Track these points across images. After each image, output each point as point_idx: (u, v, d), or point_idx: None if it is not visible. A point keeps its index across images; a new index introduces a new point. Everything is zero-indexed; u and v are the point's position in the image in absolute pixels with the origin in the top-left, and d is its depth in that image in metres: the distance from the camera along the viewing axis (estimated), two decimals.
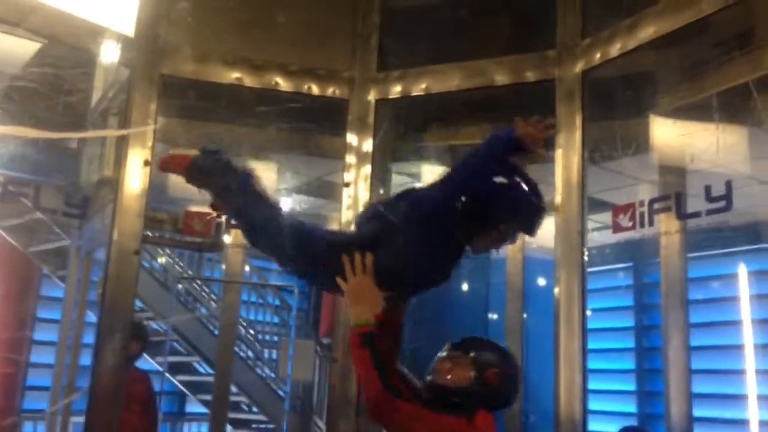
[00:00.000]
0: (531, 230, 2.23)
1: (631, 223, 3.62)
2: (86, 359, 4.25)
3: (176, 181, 4.39)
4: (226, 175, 2.37)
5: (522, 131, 2.13)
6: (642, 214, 3.61)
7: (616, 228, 3.69)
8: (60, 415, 4.59)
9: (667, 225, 3.80)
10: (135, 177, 3.37)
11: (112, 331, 3.31)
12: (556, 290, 3.56)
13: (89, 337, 4.25)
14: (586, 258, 3.56)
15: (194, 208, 3.86)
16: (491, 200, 2.18)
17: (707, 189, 3.37)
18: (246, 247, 4.39)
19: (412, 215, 2.19)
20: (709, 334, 6.24)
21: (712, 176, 3.43)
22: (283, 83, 3.79)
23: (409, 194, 2.30)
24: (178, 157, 2.50)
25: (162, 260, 7.66)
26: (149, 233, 3.82)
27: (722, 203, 3.36)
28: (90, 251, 4.58)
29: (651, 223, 3.57)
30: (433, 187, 2.24)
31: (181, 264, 7.65)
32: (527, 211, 2.21)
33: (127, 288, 3.34)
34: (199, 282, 8.01)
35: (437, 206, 2.18)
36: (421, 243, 2.18)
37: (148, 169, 3.37)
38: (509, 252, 4.47)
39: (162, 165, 2.59)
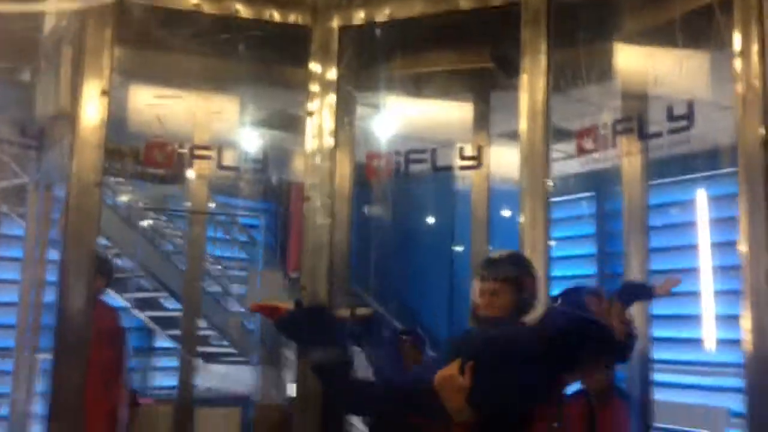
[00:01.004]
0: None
1: (594, 146, 3.65)
2: (51, 297, 4.21)
3: (137, 116, 4.31)
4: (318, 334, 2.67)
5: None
6: (605, 136, 3.64)
7: (580, 150, 3.72)
8: (28, 352, 4.58)
9: (629, 146, 3.85)
10: (92, 108, 3.28)
11: (76, 265, 3.28)
12: (521, 219, 3.60)
13: (53, 275, 4.21)
14: (550, 186, 3.60)
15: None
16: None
17: (669, 109, 3.41)
18: (210, 180, 4.34)
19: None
20: (669, 258, 6.40)
21: (674, 99, 3.46)
22: (243, 10, 3.69)
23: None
24: (270, 308, 2.86)
25: (125, 198, 7.56)
26: (110, 166, 3.75)
27: (684, 122, 3.40)
28: (49, 185, 4.49)
29: (614, 145, 3.60)
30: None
31: (145, 202, 7.56)
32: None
33: (89, 220, 3.29)
34: (163, 218, 7.94)
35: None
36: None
37: (105, 99, 3.28)
38: (474, 182, 4.49)
39: (254, 309, 3.11)
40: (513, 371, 2.24)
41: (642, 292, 2.48)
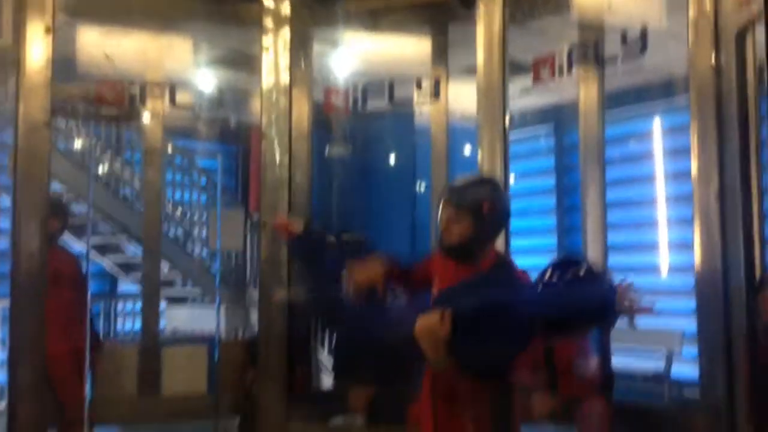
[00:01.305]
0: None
1: (551, 75, 3.66)
2: (4, 244, 4.15)
3: (85, 56, 4.18)
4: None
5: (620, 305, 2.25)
6: (561, 65, 3.65)
7: (536, 79, 3.73)
8: None
9: (585, 74, 3.87)
10: (37, 46, 3.18)
11: (28, 208, 3.23)
12: (480, 153, 3.63)
13: (5, 222, 4.13)
14: (508, 121, 3.62)
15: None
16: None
17: (623, 33, 3.43)
18: (164, 121, 4.25)
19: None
20: (625, 189, 6.53)
21: (629, 26, 3.47)
22: None
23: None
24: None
25: (79, 143, 7.39)
26: (61, 107, 3.66)
27: (638, 46, 3.43)
28: None
29: (570, 72, 3.61)
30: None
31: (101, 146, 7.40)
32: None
33: (40, 162, 3.23)
34: (119, 162, 7.79)
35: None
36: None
37: (50, 37, 3.18)
38: (432, 117, 4.48)
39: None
40: (498, 330, 2.23)
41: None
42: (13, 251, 3.26)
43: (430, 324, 2.22)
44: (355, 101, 4.24)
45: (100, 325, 7.72)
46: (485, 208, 2.45)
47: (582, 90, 4.07)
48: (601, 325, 2.33)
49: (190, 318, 8.12)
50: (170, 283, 8.12)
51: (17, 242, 3.25)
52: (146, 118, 4.49)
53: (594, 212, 4.17)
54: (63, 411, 4.01)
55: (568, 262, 2.59)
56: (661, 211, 5.56)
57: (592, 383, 3.79)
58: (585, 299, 2.26)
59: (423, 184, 7.58)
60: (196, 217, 8.52)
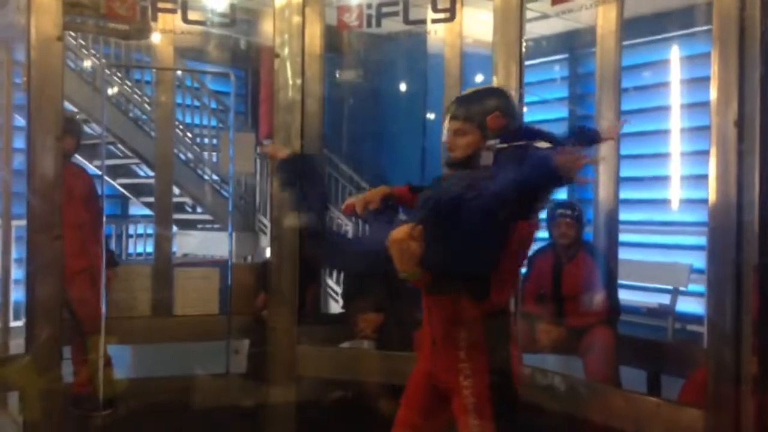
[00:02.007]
0: None
1: None
2: (20, 163, 4.16)
3: None
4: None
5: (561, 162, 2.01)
6: None
7: (556, 0, 3.63)
8: (0, 219, 4.56)
9: None
10: None
11: (43, 124, 3.22)
12: (494, 80, 3.57)
13: (20, 142, 4.13)
14: (524, 48, 3.55)
15: None
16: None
17: None
18: (175, 34, 4.18)
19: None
20: (640, 120, 6.45)
21: None
22: None
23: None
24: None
25: (88, 63, 7.33)
26: (71, 20, 3.60)
27: None
28: (6, 41, 4.31)
29: None
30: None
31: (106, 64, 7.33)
32: None
33: (53, 76, 3.22)
34: (129, 83, 7.74)
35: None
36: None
37: None
38: (446, 41, 4.39)
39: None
40: (464, 233, 2.12)
41: (592, 136, 2.30)
42: (29, 169, 3.27)
43: (399, 237, 2.14)
44: (369, 20, 4.15)
45: (113, 246, 7.82)
46: (491, 119, 2.32)
47: (600, 16, 3.97)
48: (546, 188, 2.16)
49: (200, 242, 8.22)
50: (180, 207, 8.18)
51: (32, 159, 3.26)
52: (157, 36, 4.42)
53: (606, 142, 4.12)
54: (79, 329, 4.10)
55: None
56: (675, 143, 5.51)
57: (597, 314, 3.84)
58: (528, 170, 2.07)
59: (434, 113, 7.51)
60: (206, 141, 8.52)
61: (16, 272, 4.89)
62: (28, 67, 3.23)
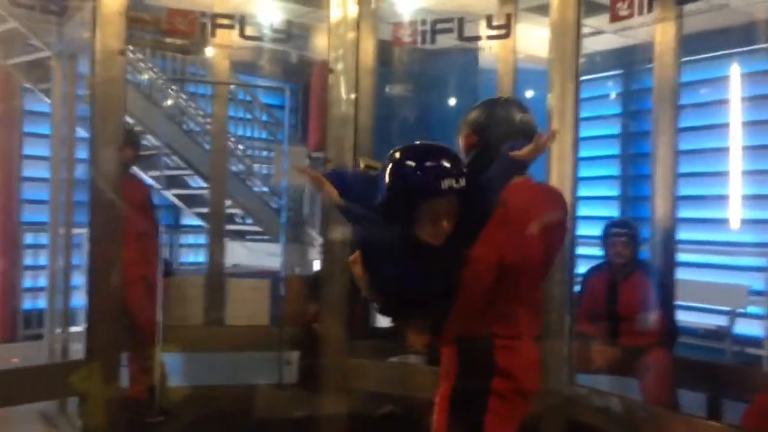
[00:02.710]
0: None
1: (629, 12, 3.51)
2: (81, 173, 4.28)
3: None
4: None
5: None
6: (641, 3, 3.48)
7: (614, 18, 3.59)
8: (62, 227, 4.70)
9: (664, 12, 3.72)
10: None
11: (105, 136, 3.31)
12: (550, 96, 3.54)
13: (82, 153, 4.26)
14: (581, 63, 3.52)
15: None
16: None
17: None
18: (231, 53, 4.28)
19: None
20: (698, 137, 6.33)
21: None
22: None
23: None
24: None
25: (146, 76, 7.50)
26: (132, 35, 3.71)
27: None
28: (72, 56, 4.45)
29: (650, 9, 3.45)
30: None
31: (163, 78, 7.49)
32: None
33: (115, 89, 3.30)
34: (184, 97, 7.89)
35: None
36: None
37: None
38: (500, 56, 4.39)
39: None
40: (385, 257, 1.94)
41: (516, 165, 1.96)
42: (91, 178, 3.36)
43: (351, 262, 2.03)
44: (424, 36, 4.17)
45: (166, 255, 7.95)
46: (463, 138, 2.16)
47: (659, 33, 3.92)
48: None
49: (251, 254, 8.31)
50: (231, 218, 8.29)
51: (95, 170, 3.35)
52: (214, 50, 4.51)
53: (665, 160, 4.06)
54: (136, 336, 4.18)
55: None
56: (735, 162, 5.37)
57: (654, 335, 3.76)
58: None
59: None
60: (257, 153, 8.63)
61: (75, 279, 5.02)
62: (92, 80, 3.33)
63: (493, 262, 1.94)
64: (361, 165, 3.22)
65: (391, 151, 2.00)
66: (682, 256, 4.10)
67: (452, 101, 7.81)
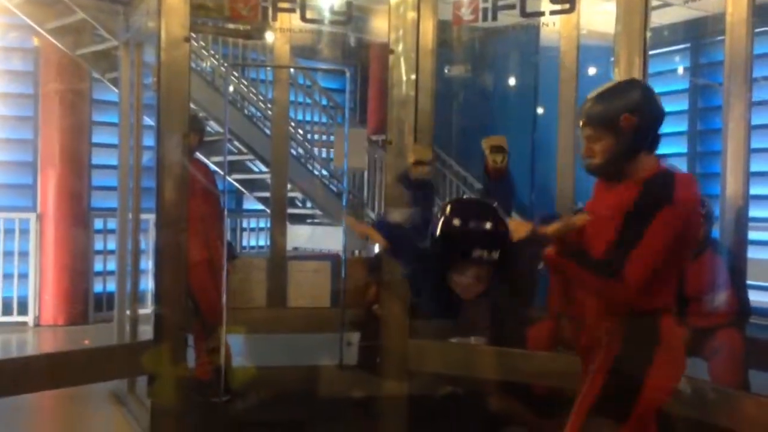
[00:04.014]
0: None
1: None
2: (149, 160, 4.38)
3: None
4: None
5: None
6: None
7: None
8: (130, 212, 4.82)
9: None
10: None
11: (171, 122, 3.38)
12: (616, 71, 3.45)
13: (149, 140, 4.36)
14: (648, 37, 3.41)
15: None
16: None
17: None
18: (292, 32, 4.28)
19: None
20: None
21: None
22: None
23: None
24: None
25: (208, 63, 7.63)
26: (195, 21, 3.76)
27: None
28: (139, 44, 4.55)
29: None
30: None
31: (225, 65, 7.60)
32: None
33: (180, 76, 3.36)
34: (246, 83, 8.00)
35: None
36: None
37: None
38: (563, 33, 4.28)
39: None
40: None
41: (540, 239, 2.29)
42: (158, 165, 3.44)
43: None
44: (485, 14, 4.09)
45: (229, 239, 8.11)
46: (623, 120, 2.21)
47: (730, 1, 3.76)
48: None
49: (311, 236, 8.40)
50: (291, 202, 8.39)
51: (161, 156, 3.42)
52: (274, 35, 4.54)
53: (736, 135, 3.90)
54: (200, 317, 4.28)
55: None
56: None
57: (724, 315, 3.64)
58: None
59: (544, 109, 7.35)
60: (317, 137, 8.69)
61: (143, 263, 5.17)
62: (159, 67, 3.40)
63: (680, 227, 2.15)
64: (411, 159, 3.61)
65: (448, 201, 2.53)
66: (754, 235, 3.94)
67: (513, 81, 7.69)
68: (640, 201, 2.18)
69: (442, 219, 2.34)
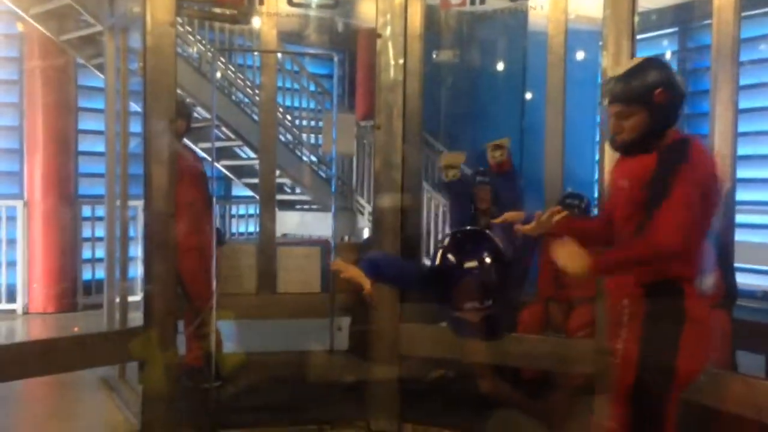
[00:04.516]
0: None
1: None
2: (136, 146, 4.35)
3: None
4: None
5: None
6: None
7: None
8: (118, 199, 4.80)
9: None
10: None
11: (158, 107, 3.35)
12: (604, 55, 3.45)
13: (136, 126, 4.33)
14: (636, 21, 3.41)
15: None
16: None
17: None
18: (279, 16, 4.26)
19: None
20: (758, 95, 6.11)
21: None
22: None
23: None
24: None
25: (194, 49, 7.58)
26: (182, 5, 3.73)
27: None
28: (124, 29, 4.51)
29: None
30: None
31: (212, 50, 7.54)
32: None
33: (167, 61, 3.33)
34: (233, 68, 7.95)
35: None
36: None
37: None
38: (550, 15, 4.28)
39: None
40: None
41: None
42: (145, 151, 3.41)
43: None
44: None
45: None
46: (657, 95, 2.26)
47: None
48: None
49: (300, 222, 8.39)
50: (280, 188, 8.37)
51: (148, 142, 3.39)
52: (261, 20, 4.51)
53: (724, 119, 3.92)
54: (190, 304, 4.27)
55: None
56: None
57: (712, 297, 3.67)
58: None
59: (533, 89, 7.35)
60: (305, 123, 8.66)
61: (132, 250, 5.14)
62: (144, 52, 3.36)
63: (699, 183, 2.18)
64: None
65: (453, 233, 2.85)
66: (741, 217, 3.96)
67: (501, 65, 7.67)
68: (659, 166, 2.22)
69: (439, 258, 2.58)
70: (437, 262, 2.57)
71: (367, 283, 2.78)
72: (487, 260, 2.50)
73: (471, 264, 2.50)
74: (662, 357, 2.20)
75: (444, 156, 4.66)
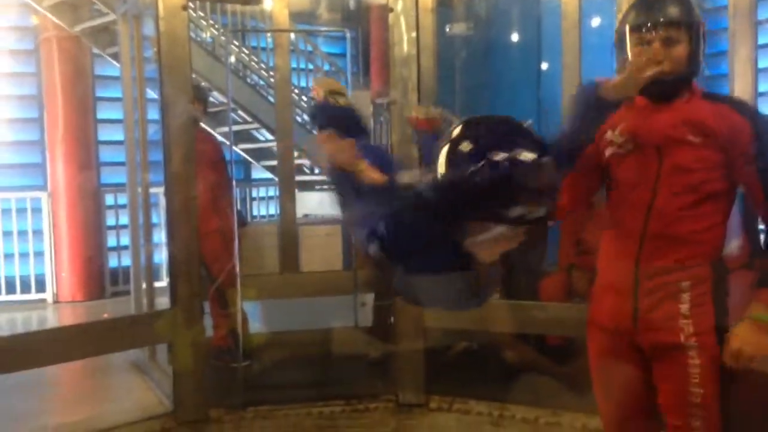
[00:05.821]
0: None
1: None
2: (154, 133, 4.39)
3: None
4: None
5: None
6: None
7: None
8: (139, 186, 4.85)
9: None
10: None
11: (174, 91, 3.38)
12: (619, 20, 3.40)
13: (153, 113, 4.36)
14: None
15: None
16: None
17: None
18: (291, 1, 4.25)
19: None
20: None
21: None
22: None
23: None
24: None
25: (207, 33, 7.59)
26: None
27: None
28: (137, 16, 4.53)
29: None
30: None
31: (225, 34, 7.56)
32: None
33: (181, 45, 3.36)
34: (246, 51, 7.96)
35: None
36: None
37: None
38: None
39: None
40: None
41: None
42: (164, 136, 3.45)
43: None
44: None
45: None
46: (702, 27, 1.93)
47: None
48: None
49: (320, 203, 8.41)
50: (299, 169, 8.39)
51: (167, 127, 3.43)
52: (273, 1, 4.51)
53: (743, 79, 3.87)
54: (214, 285, 4.32)
55: None
56: None
57: (738, 258, 3.64)
58: None
59: (549, 59, 7.28)
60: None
61: (155, 237, 5.20)
62: (158, 38, 3.39)
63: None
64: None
65: (459, 124, 1.83)
66: None
67: (515, 36, 7.61)
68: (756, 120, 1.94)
69: (454, 151, 1.69)
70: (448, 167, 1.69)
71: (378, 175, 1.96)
72: (531, 155, 1.66)
73: (522, 156, 1.64)
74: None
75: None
